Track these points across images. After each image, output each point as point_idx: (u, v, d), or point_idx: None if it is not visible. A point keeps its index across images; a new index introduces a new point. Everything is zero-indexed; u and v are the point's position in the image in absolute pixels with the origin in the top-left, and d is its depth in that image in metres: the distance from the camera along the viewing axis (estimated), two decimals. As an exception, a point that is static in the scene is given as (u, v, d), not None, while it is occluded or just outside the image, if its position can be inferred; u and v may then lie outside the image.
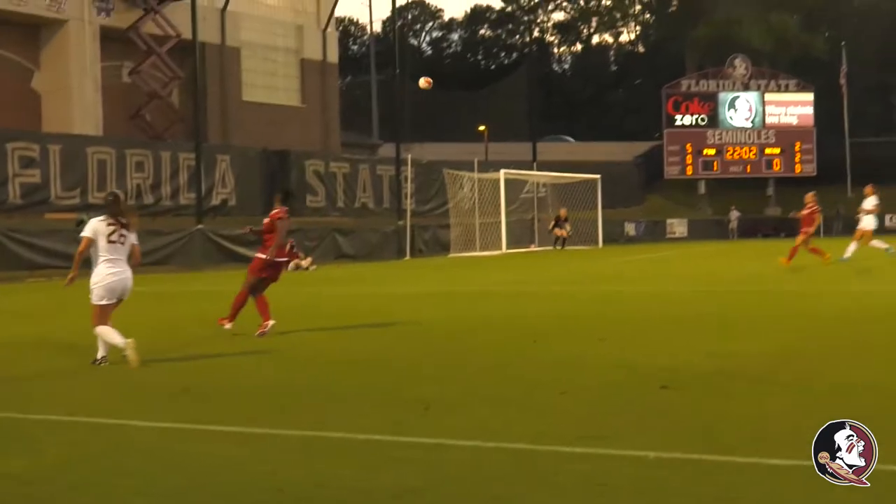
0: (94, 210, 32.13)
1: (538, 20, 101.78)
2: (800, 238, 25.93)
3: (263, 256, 13.41)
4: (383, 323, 14.45)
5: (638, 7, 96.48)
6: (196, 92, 36.24)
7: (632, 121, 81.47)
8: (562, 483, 5.47)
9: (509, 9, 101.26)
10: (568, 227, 45.85)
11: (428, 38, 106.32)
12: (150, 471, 6.00)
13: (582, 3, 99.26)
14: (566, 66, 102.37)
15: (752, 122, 62.61)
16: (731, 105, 62.42)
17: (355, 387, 8.97)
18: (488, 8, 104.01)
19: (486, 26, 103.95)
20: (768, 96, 62.71)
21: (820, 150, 62.40)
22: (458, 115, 74.79)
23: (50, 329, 14.53)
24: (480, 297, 19.24)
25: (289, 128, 47.15)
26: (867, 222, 26.53)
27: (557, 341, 11.80)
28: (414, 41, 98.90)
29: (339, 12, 56.25)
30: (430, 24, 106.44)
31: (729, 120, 62.38)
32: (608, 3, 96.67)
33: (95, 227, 10.59)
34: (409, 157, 42.76)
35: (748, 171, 62.48)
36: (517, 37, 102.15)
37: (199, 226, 33.18)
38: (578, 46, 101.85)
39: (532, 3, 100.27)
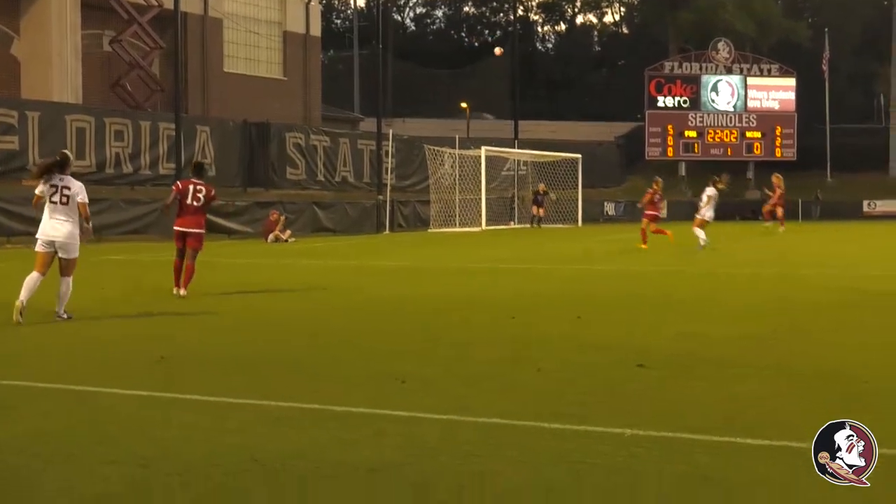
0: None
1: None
2: (644, 221, 27.53)
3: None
4: (358, 297, 14.44)
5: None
6: (177, 62, 35.99)
7: (614, 101, 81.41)
8: (538, 460, 5.48)
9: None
10: (552, 195, 45.54)
11: (411, 14, 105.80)
12: (123, 439, 5.97)
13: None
14: (549, 46, 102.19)
15: (734, 105, 62.70)
16: (714, 88, 62.47)
17: (330, 360, 8.96)
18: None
19: (469, 3, 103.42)
20: (751, 80, 62.78)
21: (800, 135, 62.62)
22: (441, 92, 74.66)
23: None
24: (459, 273, 19.25)
25: (270, 100, 46.92)
26: (704, 211, 26.40)
27: (534, 319, 11.81)
28: (398, 17, 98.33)
29: (322, -15, 55.92)
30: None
31: (711, 103, 62.45)
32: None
33: None
34: (391, 131, 42.65)
35: (729, 153, 62.59)
36: (501, 15, 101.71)
37: (179, 196, 33.00)
38: (562, 26, 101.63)
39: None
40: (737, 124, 62.59)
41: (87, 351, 9.53)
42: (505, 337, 10.31)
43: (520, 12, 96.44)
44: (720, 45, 62.42)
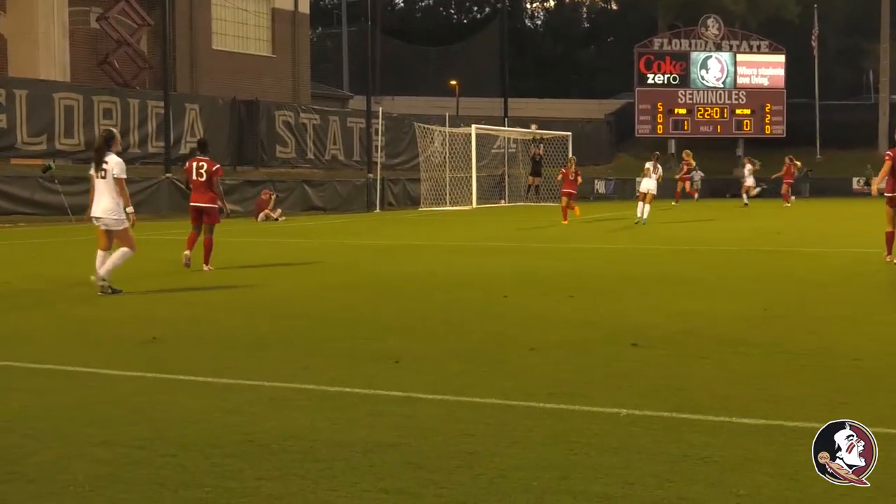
0: (60, 156, 31.88)
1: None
2: (564, 200, 29.03)
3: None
4: (351, 276, 14.42)
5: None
6: (165, 39, 35.83)
7: (603, 79, 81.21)
8: (534, 439, 5.47)
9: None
10: (541, 147, 43.81)
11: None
12: (116, 420, 5.95)
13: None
14: (539, 23, 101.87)
15: (724, 82, 62.61)
16: (703, 65, 62.37)
17: (324, 340, 8.94)
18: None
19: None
20: (740, 57, 62.68)
21: (790, 112, 62.62)
22: (430, 70, 74.39)
23: (14, 276, 14.38)
24: (450, 252, 19.22)
25: (259, 78, 46.73)
26: (647, 185, 28.59)
27: (527, 297, 11.80)
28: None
29: (311, -38, 55.56)
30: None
31: (700, 80, 62.35)
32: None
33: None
34: (380, 109, 42.52)
35: (719, 130, 62.57)
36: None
37: (167, 174, 32.91)
38: (551, 3, 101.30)
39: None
40: (726, 101, 62.52)
41: (79, 331, 9.49)
42: (498, 315, 10.29)
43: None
44: (710, 22, 62.28)
